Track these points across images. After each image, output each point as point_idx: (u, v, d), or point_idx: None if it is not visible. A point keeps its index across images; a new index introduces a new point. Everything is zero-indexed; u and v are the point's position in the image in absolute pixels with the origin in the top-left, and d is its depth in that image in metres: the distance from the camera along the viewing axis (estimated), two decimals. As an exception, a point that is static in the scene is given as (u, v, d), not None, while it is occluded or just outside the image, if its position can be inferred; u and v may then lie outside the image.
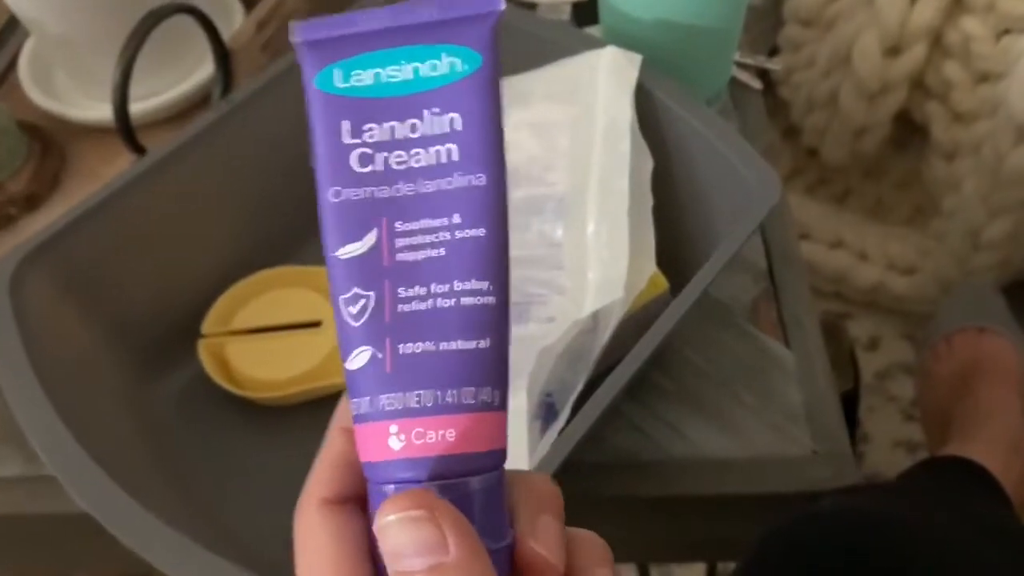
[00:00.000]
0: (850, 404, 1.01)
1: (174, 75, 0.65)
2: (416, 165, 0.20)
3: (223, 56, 0.59)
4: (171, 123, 0.65)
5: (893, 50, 0.92)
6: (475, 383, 0.20)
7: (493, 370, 0.20)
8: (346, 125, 0.20)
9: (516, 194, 0.48)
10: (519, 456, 0.39)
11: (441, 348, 0.20)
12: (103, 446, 0.38)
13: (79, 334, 0.47)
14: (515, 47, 0.53)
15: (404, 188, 0.20)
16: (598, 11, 0.58)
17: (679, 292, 0.42)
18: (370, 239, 0.20)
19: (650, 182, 0.45)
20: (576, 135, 0.47)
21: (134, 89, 0.55)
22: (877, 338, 1.12)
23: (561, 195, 0.46)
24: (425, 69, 0.20)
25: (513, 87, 0.51)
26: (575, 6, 0.72)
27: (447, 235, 0.20)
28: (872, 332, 1.13)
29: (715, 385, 0.50)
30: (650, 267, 0.44)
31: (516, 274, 0.50)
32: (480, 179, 0.20)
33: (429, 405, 0.20)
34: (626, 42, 0.55)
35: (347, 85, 0.20)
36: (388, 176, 0.20)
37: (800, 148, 1.16)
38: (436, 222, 0.20)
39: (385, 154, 0.20)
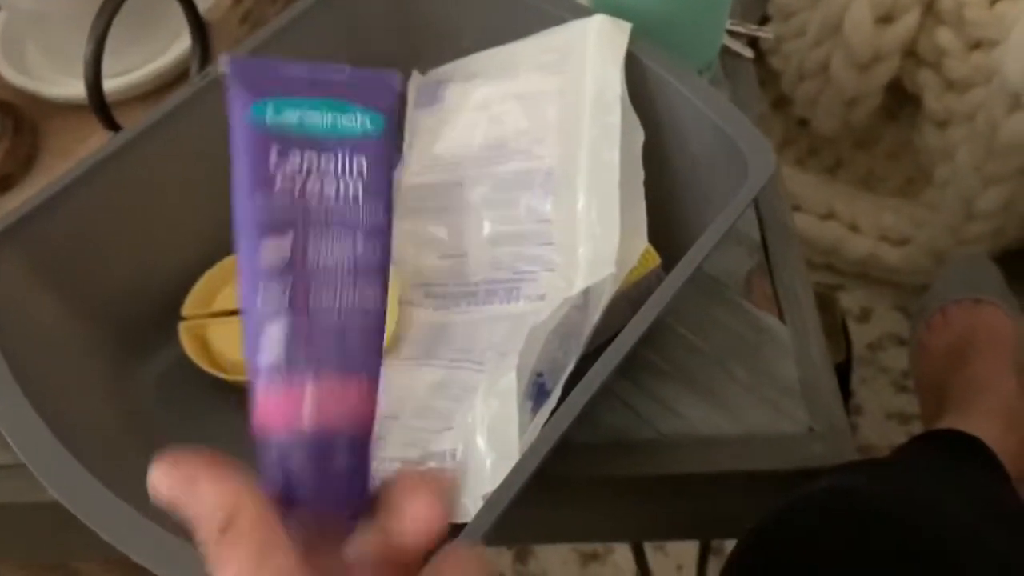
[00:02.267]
0: (842, 376, 1.00)
1: (150, 50, 0.64)
2: (328, 191, 0.25)
3: (200, 29, 0.57)
4: (148, 99, 0.63)
5: (885, 18, 0.90)
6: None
7: None
8: (274, 150, 0.25)
9: (505, 167, 0.47)
10: (510, 437, 0.38)
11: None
12: (77, 433, 0.37)
13: (54, 317, 0.45)
14: (500, 14, 0.51)
15: (316, 206, 0.25)
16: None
17: (672, 267, 0.41)
18: (287, 241, 0.24)
19: (641, 155, 0.44)
20: (565, 107, 0.45)
21: (109, 65, 0.54)
22: (869, 309, 1.12)
23: (550, 169, 0.45)
24: (343, 120, 0.26)
25: (500, 57, 0.50)
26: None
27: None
28: (864, 303, 1.13)
29: (708, 362, 0.49)
30: (642, 242, 0.43)
31: (505, 251, 0.49)
32: (378, 210, 0.25)
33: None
34: (615, 10, 0.53)
35: (276, 120, 0.25)
36: (304, 194, 0.25)
37: (791, 118, 1.14)
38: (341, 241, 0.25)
39: (304, 177, 0.25)
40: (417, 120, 0.52)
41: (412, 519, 0.22)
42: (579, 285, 0.42)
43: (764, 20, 1.06)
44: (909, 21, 0.90)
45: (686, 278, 0.40)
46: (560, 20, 0.49)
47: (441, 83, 0.51)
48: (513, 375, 0.39)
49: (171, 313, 0.49)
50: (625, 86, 0.44)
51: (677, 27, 0.54)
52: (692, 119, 0.46)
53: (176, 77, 0.64)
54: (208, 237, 0.51)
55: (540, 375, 0.40)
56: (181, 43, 0.63)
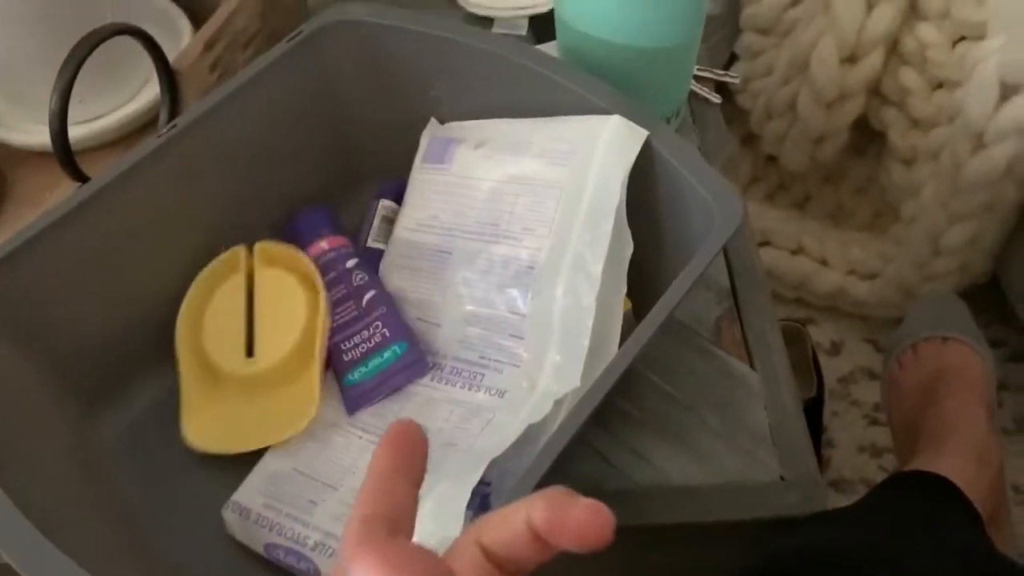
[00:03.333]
0: (814, 410, 1.01)
1: (119, 96, 0.63)
2: None
3: (170, 78, 0.57)
4: (116, 146, 0.63)
5: (850, 58, 0.92)
6: None
7: None
8: None
9: (495, 248, 0.47)
10: (457, 512, 0.37)
11: None
12: (35, 491, 0.36)
13: (13, 369, 0.44)
14: (474, 67, 0.52)
15: None
16: (556, 21, 0.57)
17: (642, 313, 0.41)
18: None
19: (627, 269, 0.44)
20: (562, 203, 0.46)
21: (76, 112, 0.53)
22: (839, 343, 1.12)
23: (534, 262, 0.45)
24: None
25: (513, 132, 0.50)
26: (533, 20, 0.71)
27: None
28: (834, 337, 1.13)
29: (681, 409, 0.49)
30: (613, 351, 0.43)
31: (477, 332, 0.50)
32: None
33: None
34: (583, 61, 0.54)
35: None
36: None
37: (759, 155, 1.16)
38: None
39: None
40: (423, 174, 0.52)
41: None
42: (541, 389, 0.42)
43: (732, 59, 1.08)
44: (874, 61, 0.91)
45: (657, 326, 0.40)
46: (530, 72, 0.49)
47: (452, 141, 0.52)
48: (455, 490, 0.38)
49: (134, 364, 0.49)
50: (624, 198, 0.44)
51: (644, 78, 0.54)
52: (660, 169, 0.46)
53: (144, 123, 0.63)
54: (173, 285, 0.50)
55: (487, 483, 0.40)
56: (149, 90, 0.63)
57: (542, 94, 0.50)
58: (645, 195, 0.47)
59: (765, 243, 1.10)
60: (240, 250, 0.51)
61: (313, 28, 0.51)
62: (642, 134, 0.46)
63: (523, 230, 0.47)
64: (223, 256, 0.51)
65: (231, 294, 0.50)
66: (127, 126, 0.62)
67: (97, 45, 0.51)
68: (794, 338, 1.00)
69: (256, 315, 0.50)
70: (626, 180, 0.45)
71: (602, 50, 0.52)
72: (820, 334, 1.13)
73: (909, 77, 0.91)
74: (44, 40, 0.57)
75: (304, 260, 0.51)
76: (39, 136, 0.61)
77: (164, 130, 0.46)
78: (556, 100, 0.49)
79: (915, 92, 0.91)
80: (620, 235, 0.44)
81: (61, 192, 0.60)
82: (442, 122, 0.55)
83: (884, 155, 1.02)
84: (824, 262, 1.08)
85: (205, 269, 0.51)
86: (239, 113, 0.50)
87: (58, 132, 0.51)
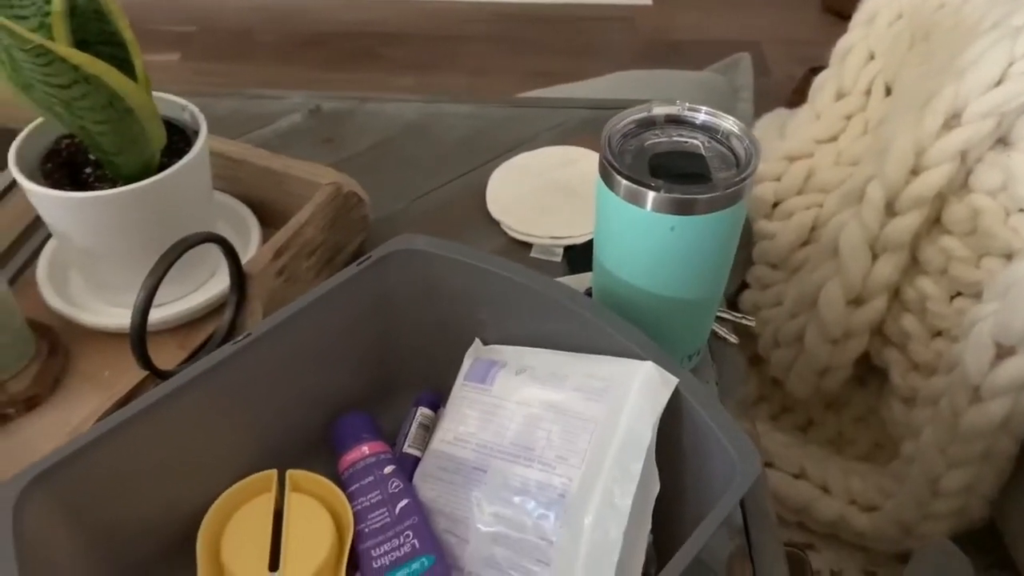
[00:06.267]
0: (813, 641, 1.00)
1: (185, 287, 0.69)
2: None
3: (240, 280, 0.63)
4: (176, 332, 0.67)
5: (856, 300, 0.98)
6: None
7: None
8: None
9: (527, 472, 0.51)
10: None
11: None
12: None
13: (71, 557, 0.47)
14: (517, 298, 0.57)
15: None
16: (592, 261, 0.63)
17: (660, 547, 0.43)
18: None
19: (652, 506, 0.48)
20: (595, 438, 0.50)
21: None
22: (839, 573, 1.13)
23: (565, 491, 0.49)
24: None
25: (552, 364, 0.55)
26: (568, 250, 0.77)
27: None
28: (834, 565, 1.14)
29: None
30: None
31: (503, 553, 0.53)
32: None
33: None
34: (615, 299, 0.59)
35: None
36: None
37: (766, 376, 1.21)
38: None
39: None
40: (464, 391, 0.57)
41: None
42: None
43: (743, 286, 1.15)
44: (877, 305, 0.98)
45: (681, 572, 0.43)
46: (564, 307, 0.54)
47: (495, 364, 0.56)
48: None
49: (186, 551, 0.51)
50: (654, 439, 0.49)
51: (672, 322, 0.60)
52: (686, 414, 0.50)
53: (206, 314, 0.68)
54: (229, 478, 0.54)
55: None
56: (215, 284, 0.69)
57: (579, 329, 0.55)
58: (669, 436, 0.51)
59: (768, 464, 1.13)
60: (272, 473, 0.54)
61: (381, 254, 0.57)
62: (672, 381, 0.50)
63: (556, 458, 0.50)
64: (255, 476, 0.54)
65: (257, 511, 0.52)
66: (190, 315, 0.68)
67: (185, 251, 0.57)
68: (795, 566, 1.01)
69: (283, 534, 0.51)
70: (657, 423, 0.49)
71: (634, 295, 0.58)
72: (821, 561, 1.13)
73: (910, 323, 0.97)
74: (133, 241, 0.63)
75: (337, 493, 0.54)
76: (107, 318, 0.66)
77: (241, 338, 0.51)
78: (591, 337, 0.54)
79: (915, 338, 0.97)
80: (648, 474, 0.48)
81: (121, 371, 0.64)
82: (485, 343, 0.60)
83: (885, 391, 1.06)
84: (826, 489, 1.10)
85: (235, 485, 0.53)
86: (306, 326, 0.55)
87: (138, 327, 0.56)
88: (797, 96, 2.04)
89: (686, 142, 0.57)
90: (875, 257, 0.96)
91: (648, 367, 0.51)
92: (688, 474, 0.50)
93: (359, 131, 0.94)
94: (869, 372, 1.14)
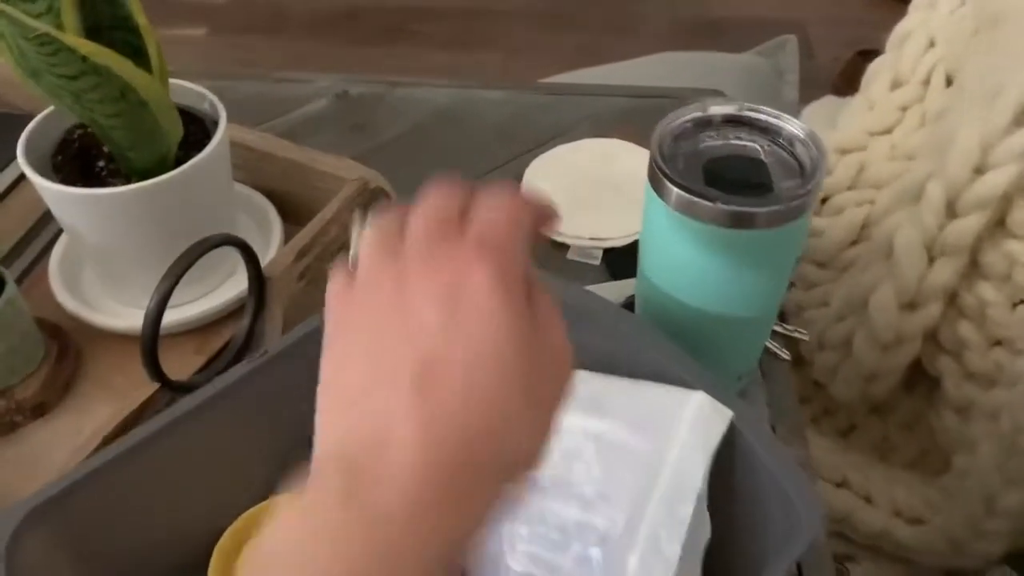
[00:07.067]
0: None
1: (202, 289, 0.65)
2: None
3: (260, 284, 0.59)
4: (193, 336, 0.64)
5: (910, 305, 0.93)
6: None
7: None
8: None
9: (565, 509, 0.46)
10: None
11: None
12: None
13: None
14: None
15: None
16: (635, 267, 0.58)
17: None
18: None
19: (703, 555, 0.44)
20: (640, 476, 0.45)
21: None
22: (880, 586, 1.08)
23: (607, 534, 0.45)
24: None
25: (590, 388, 0.50)
26: (608, 252, 0.73)
27: None
28: (875, 578, 1.09)
29: None
30: None
31: None
32: None
33: None
34: (659, 314, 0.55)
35: None
36: None
37: (807, 378, 1.15)
38: None
39: None
40: None
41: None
42: None
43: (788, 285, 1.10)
44: (932, 311, 0.92)
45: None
46: (600, 320, 0.50)
47: None
48: None
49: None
50: (707, 482, 0.44)
51: (723, 341, 0.55)
52: (739, 451, 0.46)
53: (223, 317, 0.65)
54: (243, 503, 0.50)
55: None
56: (236, 282, 0.65)
57: (619, 347, 0.50)
58: (721, 476, 0.47)
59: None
60: (290, 496, 0.51)
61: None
62: (726, 414, 0.46)
63: (598, 495, 0.46)
64: (273, 499, 0.50)
65: None
66: (207, 319, 0.64)
67: (203, 254, 0.53)
68: (836, 580, 0.96)
69: None
70: (710, 463, 0.44)
71: (682, 311, 0.53)
72: (860, 573, 1.09)
73: (967, 331, 0.92)
74: (148, 239, 0.59)
75: None
76: (121, 320, 0.63)
77: (257, 355, 0.47)
78: (633, 356, 0.50)
79: (972, 346, 0.91)
80: (699, 519, 0.44)
81: (132, 377, 0.60)
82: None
83: (936, 399, 1.01)
84: (868, 499, 1.05)
85: (252, 508, 0.50)
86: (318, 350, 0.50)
87: (149, 336, 0.52)
88: (843, 81, 1.97)
89: (745, 146, 0.52)
90: (932, 260, 0.91)
91: (700, 398, 0.46)
92: (741, 519, 0.46)
93: (388, 118, 0.90)
94: (917, 376, 1.09)
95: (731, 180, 0.49)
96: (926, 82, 1.05)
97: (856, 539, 1.08)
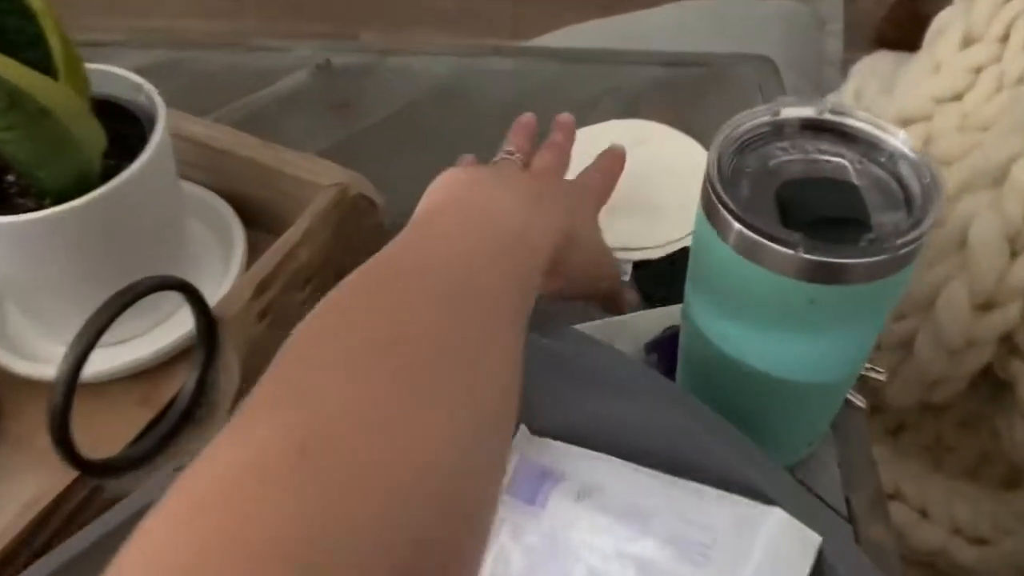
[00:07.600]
0: None
1: (148, 321, 0.54)
2: None
3: (209, 329, 0.47)
4: (138, 381, 0.53)
5: (985, 305, 0.81)
6: None
7: None
8: None
9: None
10: None
11: None
12: None
13: None
14: (562, 368, 0.41)
15: None
16: (672, 289, 0.46)
17: None
18: None
19: None
20: None
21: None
22: (935, 607, 0.98)
23: None
24: None
25: (627, 489, 0.39)
26: (639, 266, 0.60)
27: None
28: (930, 599, 0.99)
29: None
30: None
31: None
32: None
33: None
34: (709, 375, 0.43)
35: None
36: None
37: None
38: None
39: None
40: (505, 512, 0.40)
41: None
42: None
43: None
44: (1011, 312, 0.80)
45: None
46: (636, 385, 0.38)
47: (547, 478, 0.40)
48: None
49: None
50: None
51: (789, 408, 0.43)
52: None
53: (176, 356, 0.53)
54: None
55: None
56: (182, 321, 0.53)
57: (659, 421, 0.39)
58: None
59: (857, 482, 0.97)
60: None
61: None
62: (813, 541, 0.34)
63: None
64: None
65: None
66: (153, 360, 0.53)
67: (126, 307, 0.42)
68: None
69: None
70: None
71: (742, 372, 0.41)
72: (912, 593, 0.99)
73: (1051, 335, 0.79)
74: (72, 271, 0.48)
75: None
76: (46, 366, 0.52)
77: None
78: (681, 438, 0.38)
79: (1056, 352, 0.79)
80: None
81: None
82: (533, 430, 0.44)
83: (1007, 406, 0.89)
84: (924, 513, 0.95)
85: None
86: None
87: (60, 408, 0.41)
88: (889, 27, 1.79)
89: (830, 163, 0.39)
90: (1014, 255, 0.78)
91: (779, 518, 0.35)
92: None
93: (377, 94, 0.77)
94: (980, 374, 0.97)
95: (813, 210, 0.37)
96: (1003, 39, 0.91)
97: (908, 555, 0.97)
